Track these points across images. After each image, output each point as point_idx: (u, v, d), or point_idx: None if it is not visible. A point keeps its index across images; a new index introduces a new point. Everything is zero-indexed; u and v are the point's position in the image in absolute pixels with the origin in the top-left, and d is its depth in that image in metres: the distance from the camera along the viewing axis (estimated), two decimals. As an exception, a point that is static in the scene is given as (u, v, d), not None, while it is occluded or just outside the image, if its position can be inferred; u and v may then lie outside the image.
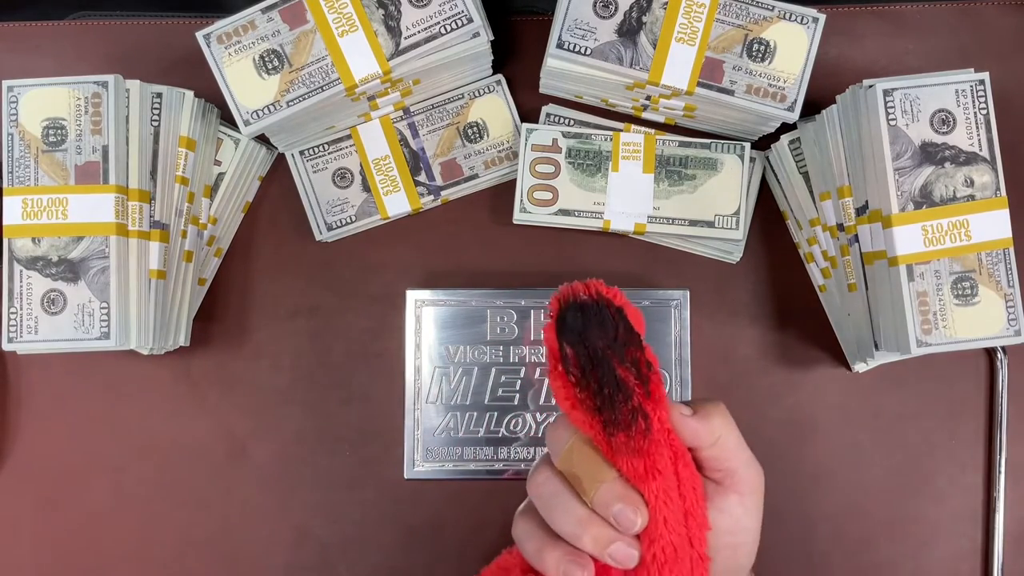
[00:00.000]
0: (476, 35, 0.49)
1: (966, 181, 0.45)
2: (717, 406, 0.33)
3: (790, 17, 0.49)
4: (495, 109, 0.54)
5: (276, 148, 0.54)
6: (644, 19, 0.49)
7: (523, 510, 0.34)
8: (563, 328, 0.31)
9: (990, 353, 0.53)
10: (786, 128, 0.52)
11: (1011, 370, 0.53)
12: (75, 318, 0.46)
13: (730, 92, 0.49)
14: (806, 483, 0.53)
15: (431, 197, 0.54)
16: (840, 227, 0.50)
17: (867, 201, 0.47)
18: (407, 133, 0.54)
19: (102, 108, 0.47)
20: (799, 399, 0.54)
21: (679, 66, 0.49)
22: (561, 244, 0.55)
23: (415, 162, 0.54)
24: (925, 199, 0.45)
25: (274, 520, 0.53)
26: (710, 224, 0.52)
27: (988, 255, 0.45)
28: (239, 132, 0.50)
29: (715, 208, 0.52)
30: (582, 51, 0.49)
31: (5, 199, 0.47)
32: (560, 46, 0.49)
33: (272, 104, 0.48)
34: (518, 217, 0.52)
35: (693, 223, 0.52)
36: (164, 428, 0.54)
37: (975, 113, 0.45)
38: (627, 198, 0.52)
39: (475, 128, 0.54)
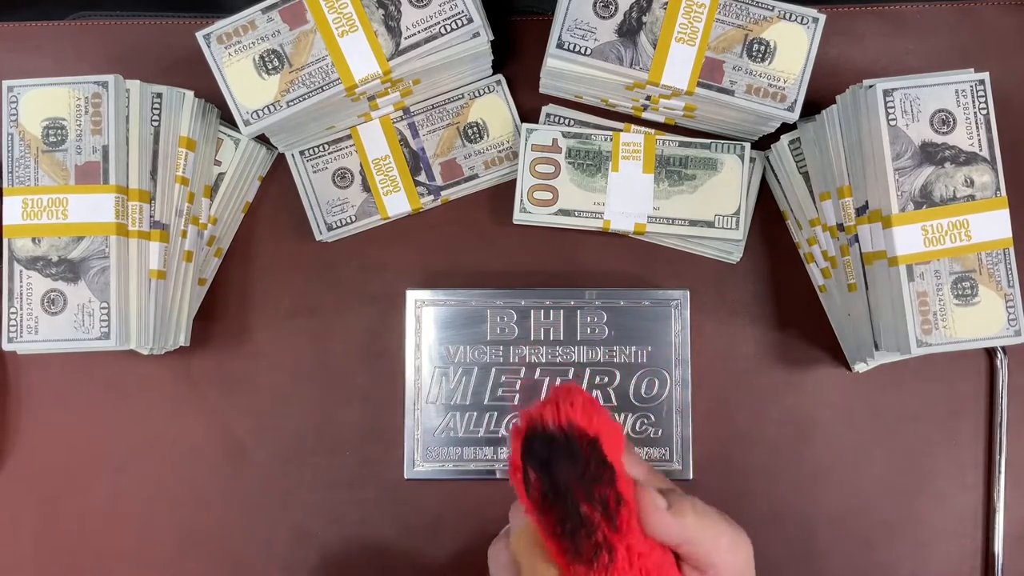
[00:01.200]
0: (476, 35, 0.49)
1: (966, 181, 0.45)
2: (694, 504, 0.30)
3: (790, 17, 0.49)
4: (495, 109, 0.54)
5: (276, 148, 0.54)
6: (644, 19, 0.49)
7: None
8: (528, 452, 0.28)
9: (990, 353, 0.53)
10: (786, 128, 0.52)
11: (1011, 370, 0.53)
12: (75, 318, 0.46)
13: (730, 92, 0.49)
14: (806, 483, 0.53)
15: (431, 197, 0.54)
16: (840, 227, 0.50)
17: (867, 201, 0.47)
18: (407, 133, 0.54)
19: (102, 108, 0.47)
20: (799, 399, 0.54)
21: (679, 66, 0.49)
22: (561, 244, 0.55)
23: (415, 162, 0.54)
24: (925, 199, 0.45)
25: (274, 520, 0.53)
26: (710, 224, 0.52)
27: (988, 255, 0.45)
28: (239, 132, 0.50)
29: (715, 208, 0.52)
30: (582, 51, 0.49)
31: (5, 199, 0.47)
32: (560, 46, 0.49)
33: (272, 104, 0.48)
34: (518, 217, 0.52)
35: (693, 223, 0.52)
36: (164, 428, 0.54)
37: (975, 113, 0.45)
38: (627, 198, 0.52)
39: (475, 128, 0.54)
